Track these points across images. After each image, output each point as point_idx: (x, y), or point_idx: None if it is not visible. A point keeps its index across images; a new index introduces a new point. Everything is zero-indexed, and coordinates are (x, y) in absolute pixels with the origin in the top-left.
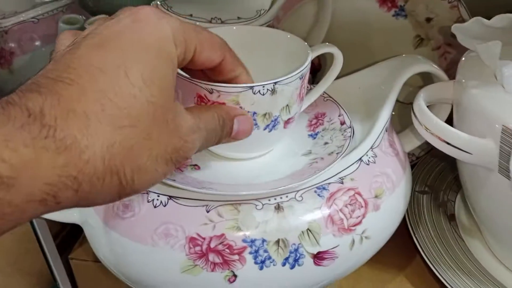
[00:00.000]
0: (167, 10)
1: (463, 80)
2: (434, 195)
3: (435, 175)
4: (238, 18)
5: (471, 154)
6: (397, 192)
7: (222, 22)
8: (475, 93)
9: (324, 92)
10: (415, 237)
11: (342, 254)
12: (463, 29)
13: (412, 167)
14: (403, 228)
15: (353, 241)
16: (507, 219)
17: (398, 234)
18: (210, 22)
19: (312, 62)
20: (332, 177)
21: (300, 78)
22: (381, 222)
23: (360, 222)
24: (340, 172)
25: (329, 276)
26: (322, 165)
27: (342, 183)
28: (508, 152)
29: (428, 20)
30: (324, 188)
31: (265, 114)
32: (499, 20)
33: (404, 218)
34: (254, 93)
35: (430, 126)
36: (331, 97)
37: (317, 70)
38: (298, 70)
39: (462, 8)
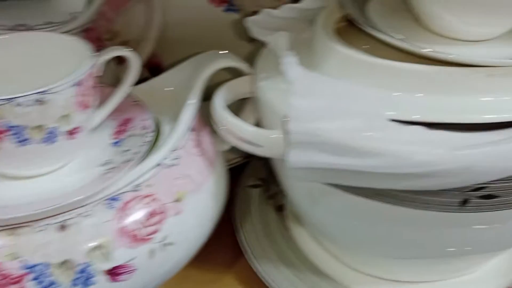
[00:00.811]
0: None
1: (256, 73)
2: (266, 187)
3: (269, 169)
4: (49, 23)
5: (262, 146)
6: (203, 193)
7: (30, 28)
8: (263, 85)
9: (133, 94)
10: (242, 233)
11: (142, 265)
12: (257, 21)
13: (248, 162)
14: (230, 225)
15: (153, 250)
16: (305, 204)
17: (226, 232)
18: (14, 29)
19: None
20: (126, 186)
21: (75, 85)
22: (186, 225)
23: (158, 230)
24: (136, 179)
25: None
26: (115, 174)
27: (137, 190)
28: None
29: (256, 13)
30: (116, 199)
31: (37, 127)
32: (287, 10)
33: (231, 216)
34: (17, 105)
35: (223, 122)
36: (138, 100)
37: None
38: (69, 78)
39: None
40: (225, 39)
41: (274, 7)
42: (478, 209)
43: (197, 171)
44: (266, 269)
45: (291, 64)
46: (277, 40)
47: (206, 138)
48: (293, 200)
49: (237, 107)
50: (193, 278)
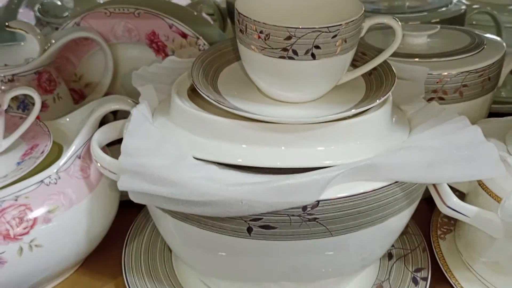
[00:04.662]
0: None
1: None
2: None
3: None
4: (5, 65)
5: (116, 174)
6: (76, 209)
7: None
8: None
9: (47, 125)
10: (125, 249)
11: (11, 259)
12: (144, 72)
13: None
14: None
15: (21, 248)
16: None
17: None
18: None
19: None
20: (8, 195)
21: None
22: (54, 233)
23: (27, 233)
24: (18, 191)
25: (6, 279)
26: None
27: (16, 200)
28: None
29: None
30: None
31: None
32: (168, 62)
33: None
34: None
35: (94, 155)
36: (49, 130)
37: None
38: None
39: None
40: None
41: None
42: (263, 237)
43: (74, 190)
44: (131, 281)
45: (137, 111)
46: (145, 91)
47: (92, 166)
48: None
49: None
50: (83, 282)
